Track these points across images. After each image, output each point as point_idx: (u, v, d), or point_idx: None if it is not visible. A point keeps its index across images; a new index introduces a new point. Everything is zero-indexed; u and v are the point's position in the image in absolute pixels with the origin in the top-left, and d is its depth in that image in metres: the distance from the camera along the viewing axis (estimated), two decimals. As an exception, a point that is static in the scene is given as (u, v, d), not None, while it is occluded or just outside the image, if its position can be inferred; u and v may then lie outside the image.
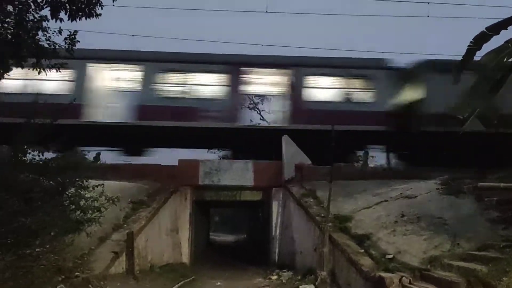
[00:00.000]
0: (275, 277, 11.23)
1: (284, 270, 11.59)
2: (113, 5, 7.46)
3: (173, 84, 15.69)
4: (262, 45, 31.89)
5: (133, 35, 17.28)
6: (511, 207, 8.29)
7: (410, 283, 6.61)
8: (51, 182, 7.27)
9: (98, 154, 8.87)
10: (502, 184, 9.45)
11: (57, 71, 7.69)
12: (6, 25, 7.26)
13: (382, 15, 30.76)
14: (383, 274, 6.96)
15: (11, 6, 7.23)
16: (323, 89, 15.91)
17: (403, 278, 6.70)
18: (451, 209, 9.23)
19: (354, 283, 7.97)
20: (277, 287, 10.05)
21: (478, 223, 8.26)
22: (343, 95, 15.79)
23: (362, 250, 8.42)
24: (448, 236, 7.88)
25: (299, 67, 15.70)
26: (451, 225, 8.40)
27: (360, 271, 7.63)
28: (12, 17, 7.24)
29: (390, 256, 7.86)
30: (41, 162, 7.53)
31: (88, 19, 7.41)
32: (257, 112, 15.21)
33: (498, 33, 6.61)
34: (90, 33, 12.74)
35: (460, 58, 7.03)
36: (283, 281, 10.61)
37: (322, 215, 10.36)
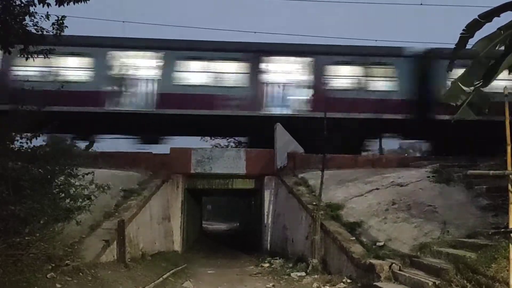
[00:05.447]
0: (267, 264, 11.29)
1: (276, 258, 11.65)
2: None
3: (193, 72, 15.57)
4: (255, 32, 31.54)
5: (123, 22, 17.07)
6: (500, 194, 8.36)
7: (399, 269, 6.70)
8: (40, 170, 7.17)
9: (91, 142, 8.72)
10: (491, 172, 9.47)
11: (44, 58, 7.51)
12: (-8, 11, 7.07)
13: (375, 3, 30.44)
14: (373, 261, 7.05)
15: (-3, -9, 7.04)
16: (343, 77, 15.88)
17: (393, 265, 6.81)
18: (442, 196, 9.33)
19: (345, 270, 8.04)
20: (269, 275, 10.08)
21: (468, 211, 8.37)
22: (364, 83, 15.77)
23: (353, 238, 8.50)
24: (438, 223, 7.98)
25: (320, 55, 15.64)
26: (441, 212, 8.50)
27: (351, 259, 7.71)
28: (-1, 2, 7.06)
29: (381, 244, 7.94)
30: (29, 150, 7.42)
31: (76, 4, 7.24)
32: (278, 100, 15.12)
33: (490, 21, 6.56)
34: (79, 19, 12.55)
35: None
36: (275, 268, 10.66)
37: (314, 203, 10.41)
